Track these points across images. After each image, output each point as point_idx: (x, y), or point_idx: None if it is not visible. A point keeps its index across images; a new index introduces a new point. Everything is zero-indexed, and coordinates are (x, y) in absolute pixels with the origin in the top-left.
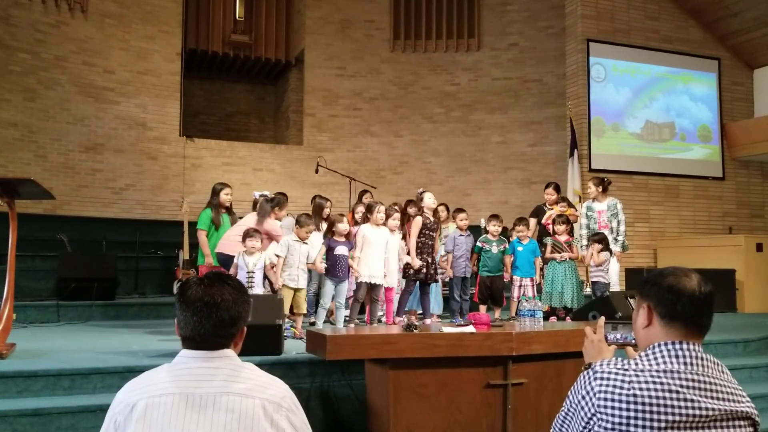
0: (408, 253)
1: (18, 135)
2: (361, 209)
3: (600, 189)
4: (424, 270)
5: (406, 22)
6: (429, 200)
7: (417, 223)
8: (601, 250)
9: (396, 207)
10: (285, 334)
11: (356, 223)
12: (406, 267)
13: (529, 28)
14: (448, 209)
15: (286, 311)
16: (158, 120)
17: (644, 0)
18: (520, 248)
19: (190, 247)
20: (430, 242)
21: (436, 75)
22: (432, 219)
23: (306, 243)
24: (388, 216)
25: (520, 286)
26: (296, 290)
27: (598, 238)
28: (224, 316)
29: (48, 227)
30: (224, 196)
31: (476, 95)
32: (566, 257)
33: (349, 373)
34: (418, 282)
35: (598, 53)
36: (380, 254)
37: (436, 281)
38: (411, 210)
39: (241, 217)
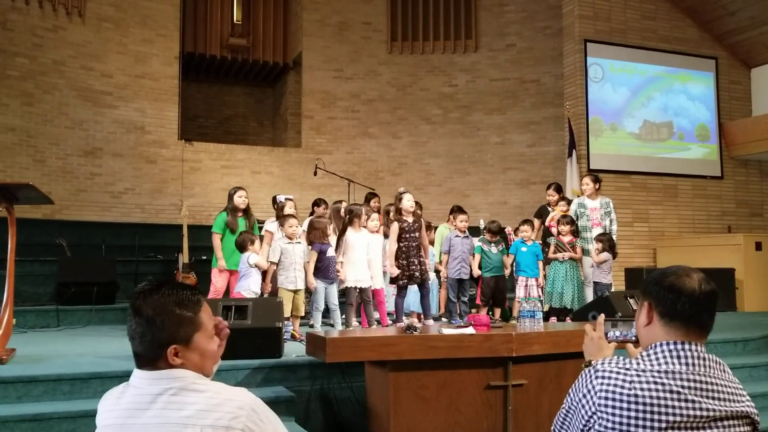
0: (392, 260)
1: (16, 140)
2: (390, 208)
3: (597, 186)
4: (408, 273)
5: (403, 23)
6: (407, 202)
7: (394, 229)
8: (602, 251)
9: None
10: (285, 337)
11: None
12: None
13: (526, 29)
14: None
15: (288, 314)
16: (156, 124)
17: (641, 0)
18: (524, 249)
19: (190, 250)
20: (413, 244)
21: (434, 76)
22: (410, 221)
23: (299, 242)
24: (367, 218)
25: (526, 286)
26: (295, 292)
27: (601, 238)
28: (145, 325)
29: (47, 232)
30: (237, 199)
31: (474, 96)
32: (567, 257)
33: (349, 376)
34: (416, 284)
35: (595, 53)
36: (363, 257)
37: (422, 282)
38: (391, 213)
39: (260, 221)
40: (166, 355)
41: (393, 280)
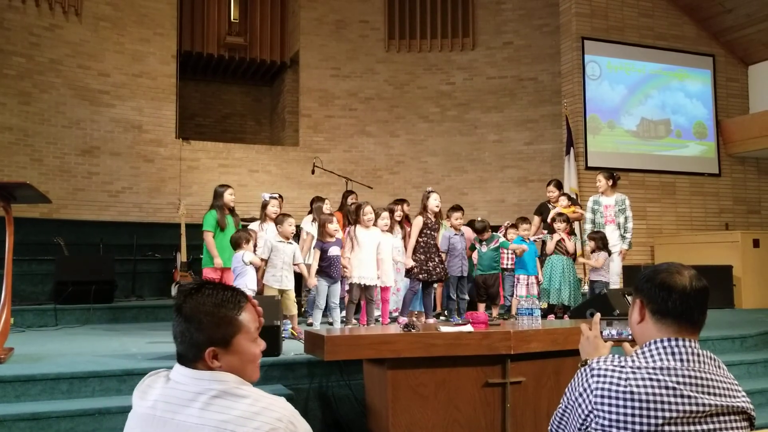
0: (410, 253)
1: (13, 139)
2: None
3: (610, 183)
4: (425, 269)
5: (400, 22)
6: (433, 201)
7: (417, 223)
8: (595, 250)
9: (396, 206)
10: (283, 335)
11: (349, 224)
12: (410, 268)
13: (523, 27)
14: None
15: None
16: (154, 122)
17: None
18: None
19: (188, 249)
20: (431, 242)
21: (432, 74)
22: (433, 219)
23: (291, 243)
24: (376, 216)
25: (527, 285)
26: (282, 291)
27: (594, 237)
28: (184, 324)
29: (45, 231)
30: (228, 197)
31: (472, 94)
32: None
33: (348, 374)
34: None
35: (592, 51)
36: (371, 256)
37: (441, 280)
38: (406, 209)
39: (244, 219)
40: (195, 353)
41: (408, 273)
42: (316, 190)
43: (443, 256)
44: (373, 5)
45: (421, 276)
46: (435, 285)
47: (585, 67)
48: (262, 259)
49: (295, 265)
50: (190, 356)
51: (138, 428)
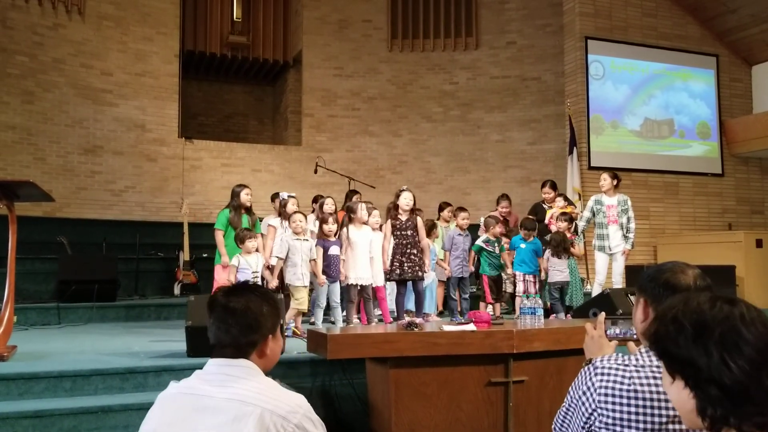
0: (387, 257)
1: (17, 137)
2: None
3: (615, 182)
4: (398, 270)
5: (403, 21)
6: (404, 200)
7: (386, 227)
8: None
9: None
10: (286, 333)
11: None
12: (388, 271)
13: (527, 26)
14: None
15: (306, 309)
16: (157, 122)
17: None
18: (522, 245)
19: (191, 248)
20: (405, 242)
21: (435, 74)
22: (403, 219)
23: (307, 240)
24: (368, 213)
25: (524, 281)
26: (304, 288)
27: (553, 236)
28: (241, 323)
29: (48, 230)
30: (244, 197)
31: (475, 94)
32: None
33: (351, 372)
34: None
35: (596, 51)
36: (365, 254)
37: (420, 279)
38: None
39: (261, 218)
40: (248, 346)
41: (387, 277)
42: (318, 190)
43: (447, 255)
44: (376, 5)
45: (391, 278)
46: (435, 284)
47: (588, 66)
48: (278, 258)
49: (311, 261)
50: (245, 345)
51: (164, 402)
